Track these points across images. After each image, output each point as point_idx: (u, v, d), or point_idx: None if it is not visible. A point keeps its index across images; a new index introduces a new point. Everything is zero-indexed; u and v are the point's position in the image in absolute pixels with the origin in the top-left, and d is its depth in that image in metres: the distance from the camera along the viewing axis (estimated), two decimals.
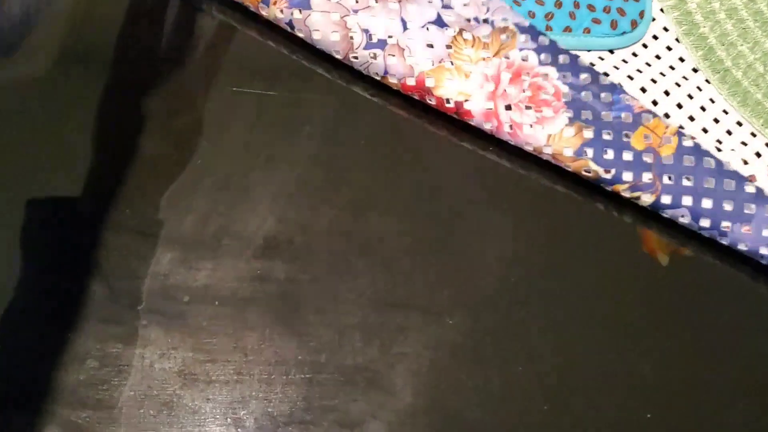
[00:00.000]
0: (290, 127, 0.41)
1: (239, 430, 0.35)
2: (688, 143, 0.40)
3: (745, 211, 0.39)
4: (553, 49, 0.41)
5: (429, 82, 0.40)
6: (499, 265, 0.39)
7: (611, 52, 0.46)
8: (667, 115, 0.44)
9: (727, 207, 0.39)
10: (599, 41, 0.46)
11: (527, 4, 0.45)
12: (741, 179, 0.39)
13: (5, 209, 0.38)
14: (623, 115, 0.40)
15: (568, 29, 0.45)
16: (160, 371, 0.35)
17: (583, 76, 0.41)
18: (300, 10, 0.40)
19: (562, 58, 0.41)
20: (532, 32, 0.42)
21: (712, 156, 0.40)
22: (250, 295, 0.37)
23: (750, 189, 0.39)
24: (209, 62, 0.42)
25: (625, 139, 0.40)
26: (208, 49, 0.43)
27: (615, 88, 0.41)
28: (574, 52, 0.42)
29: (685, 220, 0.40)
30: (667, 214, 0.40)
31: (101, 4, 0.43)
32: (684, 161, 0.39)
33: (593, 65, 0.44)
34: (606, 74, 0.44)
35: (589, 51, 0.46)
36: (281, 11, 0.41)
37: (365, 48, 0.41)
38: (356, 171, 0.41)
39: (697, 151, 0.40)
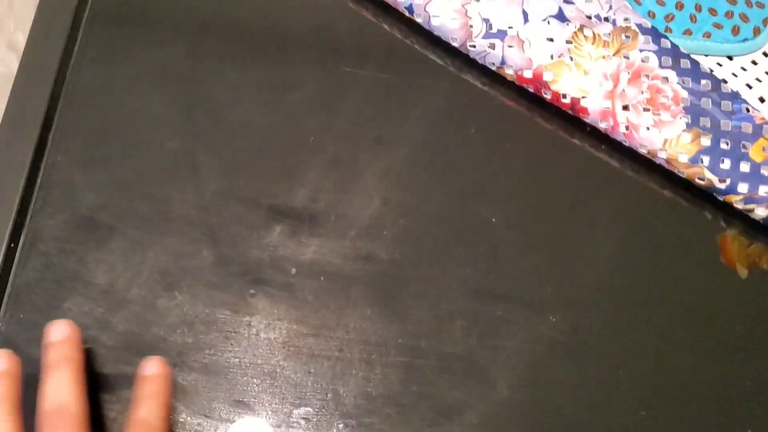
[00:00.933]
0: (401, 110, 0.41)
1: (338, 406, 0.35)
2: None
3: None
4: (675, 53, 0.41)
5: (547, 76, 0.40)
6: (605, 266, 0.39)
7: (730, 58, 0.45)
8: None
9: None
10: (719, 46, 0.45)
11: (647, 3, 0.44)
12: None
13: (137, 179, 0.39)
14: (743, 125, 0.39)
15: (688, 32, 0.44)
16: (265, 341, 0.36)
17: (704, 82, 0.40)
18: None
19: (683, 63, 0.40)
20: (654, 34, 0.41)
21: None
22: (354, 273, 0.37)
23: None
24: (324, 41, 0.42)
25: (743, 150, 0.39)
26: (324, 28, 0.43)
27: (736, 98, 0.40)
28: (695, 58, 0.41)
29: None
30: None
31: None
32: None
33: (712, 71, 0.43)
34: (724, 81, 0.43)
35: (707, 56, 0.45)
36: None
37: (484, 37, 0.40)
38: (465, 159, 0.40)
39: None
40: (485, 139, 0.41)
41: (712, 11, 0.45)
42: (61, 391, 0.30)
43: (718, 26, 0.45)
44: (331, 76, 0.42)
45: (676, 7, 0.45)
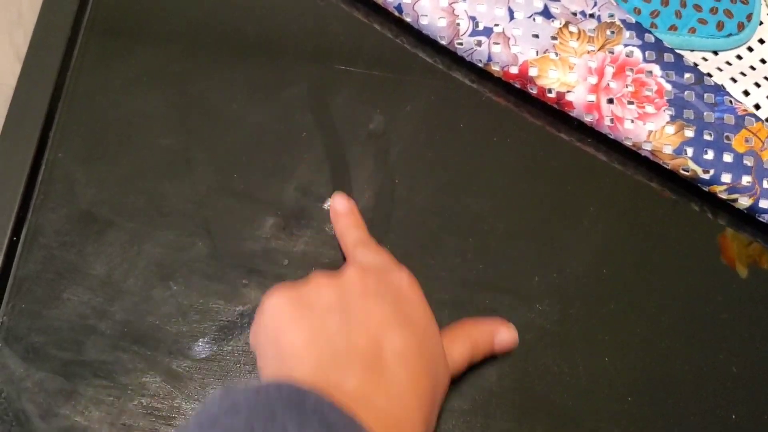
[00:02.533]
0: (392, 106, 0.42)
1: None
2: None
3: None
4: (659, 47, 0.42)
5: (532, 71, 0.41)
6: (592, 256, 0.40)
7: (715, 53, 0.46)
8: None
9: None
10: (704, 42, 0.46)
11: (633, 0, 0.45)
12: None
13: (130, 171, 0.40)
14: (726, 116, 0.40)
15: (673, 28, 0.45)
16: None
17: (687, 75, 0.41)
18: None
19: (666, 56, 0.41)
20: (638, 29, 0.42)
21: None
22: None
23: None
24: (317, 40, 0.44)
25: (726, 141, 0.40)
26: (317, 27, 0.44)
27: (719, 90, 0.41)
28: (679, 52, 0.42)
29: None
30: (764, 218, 0.40)
31: None
32: None
33: (696, 66, 0.44)
34: (709, 75, 0.44)
35: (692, 51, 0.46)
36: None
37: (471, 35, 0.41)
38: (454, 153, 0.41)
39: None
40: (474, 135, 0.42)
41: (697, 7, 0.46)
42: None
43: (702, 22, 0.46)
44: (323, 73, 0.43)
45: (662, 4, 0.46)
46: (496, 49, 0.41)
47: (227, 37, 0.43)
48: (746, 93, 0.44)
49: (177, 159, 0.40)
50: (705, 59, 0.46)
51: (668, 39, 0.45)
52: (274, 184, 0.40)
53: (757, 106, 0.44)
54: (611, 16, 0.42)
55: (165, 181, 0.40)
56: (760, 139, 0.40)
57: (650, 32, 0.42)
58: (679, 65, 0.41)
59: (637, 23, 0.42)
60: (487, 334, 0.36)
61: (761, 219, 0.40)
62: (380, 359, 0.29)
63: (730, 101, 0.41)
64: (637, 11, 0.45)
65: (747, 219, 0.41)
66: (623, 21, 0.42)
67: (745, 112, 0.40)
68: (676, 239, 0.41)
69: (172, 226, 0.39)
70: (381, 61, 0.44)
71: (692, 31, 0.46)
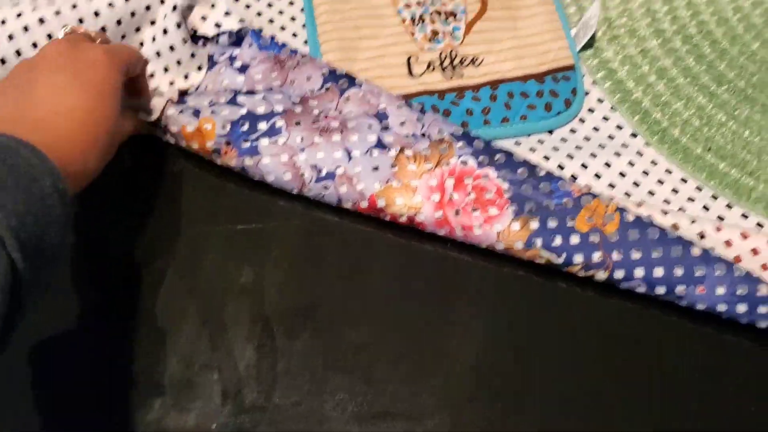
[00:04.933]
0: (260, 255, 0.44)
1: None
2: (630, 218, 0.42)
3: (696, 274, 0.41)
4: (489, 150, 0.44)
5: (380, 203, 0.43)
6: (475, 359, 0.41)
7: (550, 132, 0.49)
8: (612, 185, 0.46)
9: (678, 272, 0.41)
10: (536, 125, 0.49)
11: (464, 102, 0.48)
12: (687, 244, 0.41)
13: None
14: (564, 200, 0.43)
15: (505, 120, 0.48)
16: None
17: (520, 170, 0.44)
18: (251, 156, 0.44)
19: (498, 158, 0.44)
20: (467, 138, 0.45)
21: (655, 225, 0.42)
22: (241, 427, 0.40)
23: (696, 251, 0.41)
24: (175, 206, 0.46)
25: (570, 224, 0.42)
26: (174, 194, 0.47)
27: (552, 177, 0.43)
28: (508, 150, 0.45)
29: (641, 289, 0.42)
30: (624, 286, 0.42)
31: None
32: (629, 236, 0.41)
33: (534, 150, 0.47)
34: (546, 158, 0.47)
35: (528, 136, 0.49)
36: (233, 160, 0.44)
37: (316, 182, 0.44)
38: (326, 288, 0.44)
39: (640, 223, 0.42)
40: (342, 266, 0.44)
41: (524, 94, 0.49)
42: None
43: (532, 107, 0.49)
44: (188, 237, 0.45)
45: (491, 99, 0.49)
46: (343, 190, 0.44)
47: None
48: (584, 166, 0.47)
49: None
50: (541, 141, 0.48)
51: (503, 131, 0.48)
52: (156, 361, 0.41)
53: (598, 176, 0.47)
54: (440, 131, 0.45)
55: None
56: (599, 215, 0.42)
57: (478, 138, 0.45)
58: (510, 163, 0.44)
59: (465, 133, 0.45)
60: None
61: (622, 287, 0.42)
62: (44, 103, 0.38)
63: (565, 185, 0.43)
64: (469, 112, 0.48)
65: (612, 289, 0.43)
66: (452, 134, 0.45)
67: (580, 193, 0.43)
68: (551, 323, 0.43)
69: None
70: (241, 214, 0.46)
71: (523, 118, 0.49)
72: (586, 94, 0.50)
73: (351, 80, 0.47)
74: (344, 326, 0.43)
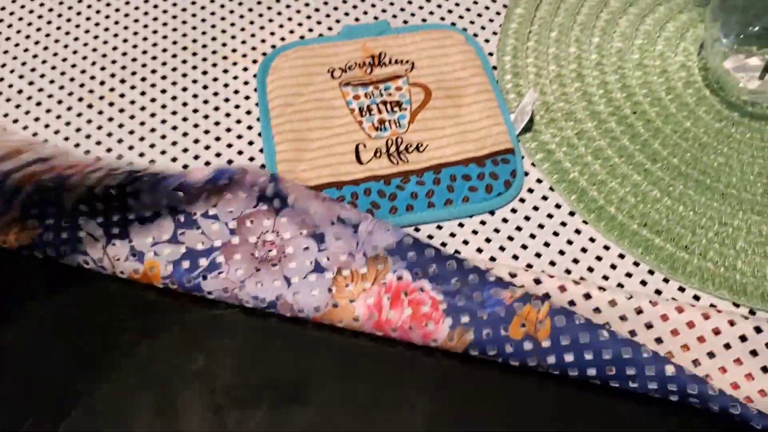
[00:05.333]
0: (210, 340, 0.47)
1: None
2: (561, 322, 0.43)
3: (628, 372, 0.42)
4: (421, 261, 0.45)
5: (324, 322, 0.45)
6: None
7: (492, 213, 0.50)
8: (552, 263, 0.48)
9: (610, 372, 0.42)
10: (478, 206, 0.50)
11: (409, 186, 0.50)
12: (616, 341, 0.42)
13: None
14: (497, 309, 0.44)
15: (448, 201, 0.49)
16: None
17: (454, 281, 0.45)
18: (196, 293, 0.46)
19: (432, 269, 0.45)
20: (400, 251, 0.46)
21: (585, 327, 0.43)
22: None
23: (626, 352, 0.42)
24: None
25: (503, 333, 0.44)
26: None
27: (485, 284, 0.45)
28: (441, 253, 0.46)
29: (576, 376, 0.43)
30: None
31: None
32: (561, 341, 0.43)
33: (476, 232, 0.48)
34: (488, 240, 0.48)
35: (471, 216, 0.50)
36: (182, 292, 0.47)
37: (261, 309, 0.46)
38: (278, 371, 0.45)
39: (572, 326, 0.43)
40: (292, 350, 0.45)
41: (466, 177, 0.50)
42: None
43: (473, 189, 0.50)
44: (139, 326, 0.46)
45: (434, 183, 0.50)
46: (286, 315, 0.46)
47: None
48: (524, 246, 0.48)
49: None
50: (483, 222, 0.49)
51: (446, 213, 0.49)
52: None
53: (538, 255, 0.48)
54: (375, 247, 0.46)
55: None
56: (531, 321, 0.44)
57: (411, 250, 0.46)
58: (443, 274, 0.45)
59: (398, 245, 0.46)
60: None
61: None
62: None
63: (497, 293, 0.44)
64: (414, 195, 0.49)
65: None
66: (386, 249, 0.46)
67: (512, 299, 0.44)
68: (489, 406, 0.45)
69: None
70: (192, 300, 0.47)
71: (466, 200, 0.50)
72: (526, 174, 0.51)
73: (283, 200, 0.48)
74: (296, 408, 0.44)
